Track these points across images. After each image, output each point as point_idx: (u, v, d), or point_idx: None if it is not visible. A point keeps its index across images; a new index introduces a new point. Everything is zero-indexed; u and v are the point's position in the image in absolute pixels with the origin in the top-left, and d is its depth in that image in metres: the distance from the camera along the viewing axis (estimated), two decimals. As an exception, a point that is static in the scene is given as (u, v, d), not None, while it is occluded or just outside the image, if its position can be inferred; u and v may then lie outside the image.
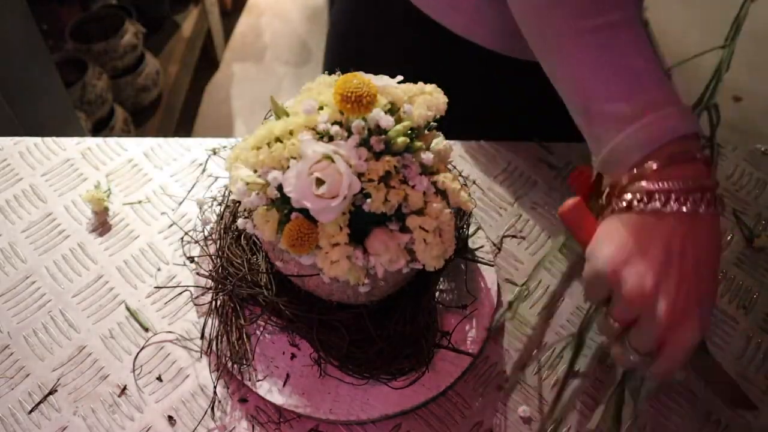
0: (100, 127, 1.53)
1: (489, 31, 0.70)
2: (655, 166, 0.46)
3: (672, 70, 0.71)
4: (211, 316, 0.59)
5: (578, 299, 0.63)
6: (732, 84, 2.03)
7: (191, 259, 0.63)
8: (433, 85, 0.53)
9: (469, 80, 0.74)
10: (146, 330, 0.59)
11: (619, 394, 0.56)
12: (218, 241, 0.61)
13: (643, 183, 0.46)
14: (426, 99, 0.51)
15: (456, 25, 0.71)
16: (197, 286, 0.61)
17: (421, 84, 0.53)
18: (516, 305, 0.61)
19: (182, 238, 0.65)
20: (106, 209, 0.67)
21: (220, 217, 0.63)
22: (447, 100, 0.52)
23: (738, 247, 0.68)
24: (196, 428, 0.54)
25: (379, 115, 0.48)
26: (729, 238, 0.69)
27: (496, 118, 0.77)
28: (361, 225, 0.49)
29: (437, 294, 0.61)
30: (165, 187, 0.69)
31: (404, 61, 0.74)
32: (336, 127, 0.48)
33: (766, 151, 0.76)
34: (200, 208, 0.66)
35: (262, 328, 0.58)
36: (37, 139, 0.72)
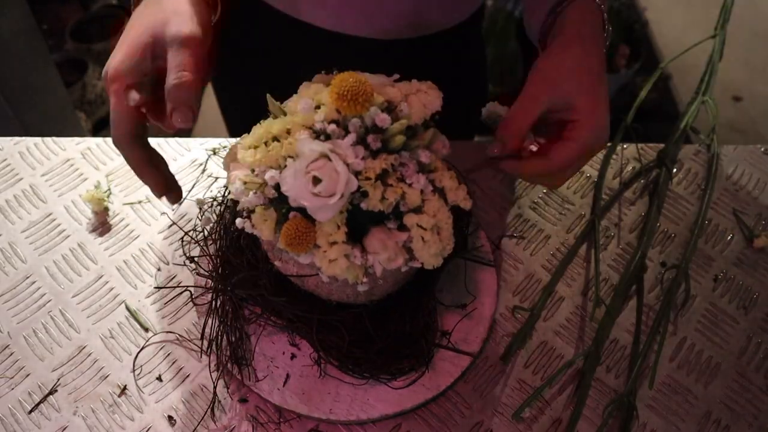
0: (100, 127, 1.54)
1: (354, 16, 0.68)
2: None
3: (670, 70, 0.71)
4: (211, 316, 0.59)
5: (578, 300, 0.63)
6: (732, 84, 2.03)
7: (191, 259, 0.63)
8: (429, 83, 0.53)
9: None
10: (146, 330, 0.59)
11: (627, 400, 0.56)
12: (218, 241, 0.61)
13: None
14: (422, 97, 0.51)
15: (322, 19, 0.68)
16: (197, 286, 0.61)
17: (415, 82, 0.53)
18: (527, 333, 0.61)
19: (182, 238, 0.65)
20: (106, 209, 0.67)
21: (220, 217, 0.63)
22: (442, 95, 0.52)
23: (738, 247, 0.68)
24: (196, 428, 0.54)
25: (375, 113, 0.48)
26: (729, 238, 0.69)
27: None
28: (359, 223, 0.49)
29: (437, 293, 0.61)
30: (165, 187, 0.69)
31: (274, 66, 0.73)
32: (333, 126, 0.48)
33: (766, 151, 0.76)
34: (200, 208, 0.66)
35: (262, 328, 0.58)
36: (37, 139, 0.72)
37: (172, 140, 0.72)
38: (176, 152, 0.72)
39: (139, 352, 0.58)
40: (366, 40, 0.70)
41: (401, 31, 0.70)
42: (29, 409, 0.55)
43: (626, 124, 0.74)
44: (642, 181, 0.72)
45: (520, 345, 0.60)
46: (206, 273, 0.61)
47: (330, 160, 0.46)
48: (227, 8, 0.60)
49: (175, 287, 0.62)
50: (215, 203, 0.66)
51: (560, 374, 0.58)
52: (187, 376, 0.57)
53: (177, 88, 0.47)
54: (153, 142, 0.72)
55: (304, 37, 0.71)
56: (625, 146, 0.74)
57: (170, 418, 0.55)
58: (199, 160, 0.71)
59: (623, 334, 0.61)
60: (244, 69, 0.80)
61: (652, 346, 0.60)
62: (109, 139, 0.72)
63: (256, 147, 0.50)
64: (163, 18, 0.50)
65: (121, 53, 0.50)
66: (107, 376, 0.57)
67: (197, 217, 0.66)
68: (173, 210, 0.67)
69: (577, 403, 0.56)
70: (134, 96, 0.49)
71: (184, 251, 0.64)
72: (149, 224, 0.66)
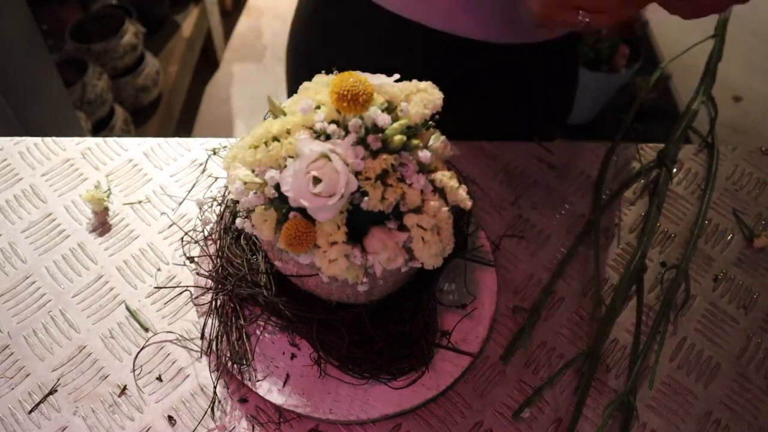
0: (100, 127, 1.54)
1: (472, 19, 0.69)
2: None
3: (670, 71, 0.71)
4: (211, 316, 0.59)
5: (578, 300, 0.63)
6: (732, 84, 2.03)
7: (191, 259, 0.63)
8: (429, 83, 0.53)
9: (444, 71, 0.73)
10: (146, 330, 0.59)
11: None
12: (218, 241, 0.61)
13: None
14: (422, 97, 0.51)
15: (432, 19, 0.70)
16: (197, 286, 0.61)
17: (415, 81, 0.53)
18: (528, 333, 0.60)
19: (182, 238, 0.65)
20: (106, 209, 0.67)
21: (220, 217, 0.63)
22: (443, 96, 0.52)
23: (738, 247, 0.68)
24: (196, 428, 0.54)
25: (376, 113, 0.48)
26: (729, 238, 0.69)
27: (477, 109, 0.77)
28: (359, 224, 0.49)
29: (437, 293, 0.61)
30: (165, 187, 0.69)
31: (368, 53, 0.74)
32: (333, 126, 0.48)
33: (766, 151, 0.76)
34: (200, 208, 0.66)
35: (262, 328, 0.58)
36: (37, 139, 0.72)
37: (172, 140, 0.72)
38: (176, 152, 0.72)
39: (139, 352, 0.58)
40: (467, 41, 0.71)
41: (497, 33, 0.71)
42: (29, 409, 0.55)
43: (626, 124, 0.74)
44: (642, 181, 0.72)
45: (521, 345, 0.60)
46: (206, 273, 0.61)
47: (330, 160, 0.46)
48: None
49: (175, 287, 0.62)
50: (215, 203, 0.66)
51: (560, 374, 0.58)
52: (187, 376, 0.57)
53: None
54: (153, 141, 0.72)
55: (403, 36, 0.71)
56: (625, 146, 0.74)
57: (170, 418, 0.55)
58: (199, 160, 0.71)
59: (623, 334, 0.61)
60: (334, 56, 0.81)
61: (652, 346, 0.60)
62: (109, 139, 0.72)
63: (256, 147, 0.50)
64: None
65: None
66: (107, 376, 0.57)
67: (197, 217, 0.66)
68: (173, 210, 0.67)
69: (578, 403, 0.56)
70: None
71: (184, 251, 0.64)
72: (149, 224, 0.66)
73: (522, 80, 0.65)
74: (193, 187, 0.69)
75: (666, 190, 0.71)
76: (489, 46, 0.71)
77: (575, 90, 0.88)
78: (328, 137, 0.48)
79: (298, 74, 0.87)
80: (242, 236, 0.61)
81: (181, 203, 0.68)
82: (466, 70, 0.73)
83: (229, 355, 0.56)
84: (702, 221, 0.68)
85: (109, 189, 0.68)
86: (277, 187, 0.48)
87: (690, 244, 0.66)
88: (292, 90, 0.91)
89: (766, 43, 2.09)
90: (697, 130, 0.75)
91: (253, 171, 0.50)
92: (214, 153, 0.72)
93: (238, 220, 0.52)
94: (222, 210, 0.63)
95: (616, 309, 0.62)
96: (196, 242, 0.64)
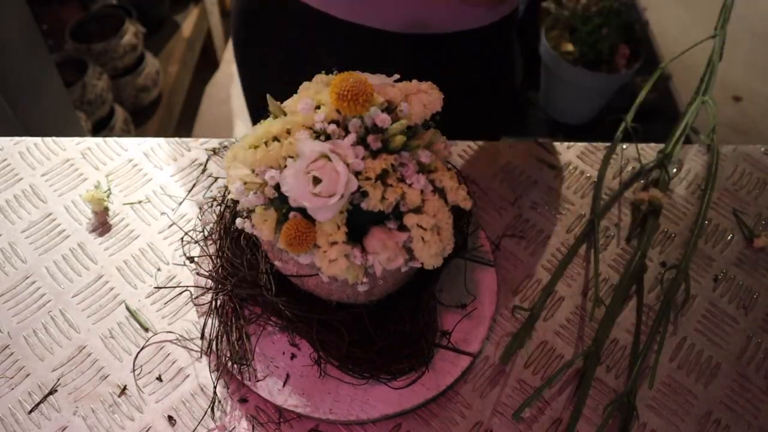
0: (100, 127, 1.53)
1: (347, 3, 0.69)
2: None
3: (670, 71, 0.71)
4: (211, 316, 0.59)
5: (578, 299, 0.63)
6: (732, 84, 2.03)
7: (191, 259, 0.63)
8: (429, 83, 0.53)
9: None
10: (146, 330, 0.59)
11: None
12: (218, 241, 0.61)
13: None
14: (422, 97, 0.51)
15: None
16: (197, 286, 0.61)
17: (416, 82, 0.53)
18: (525, 333, 0.60)
19: (182, 238, 0.65)
20: (106, 209, 0.67)
21: (220, 217, 0.63)
22: (443, 96, 0.52)
23: (738, 247, 0.68)
24: (196, 428, 0.54)
25: (376, 113, 0.48)
26: (729, 238, 0.69)
27: None
28: (359, 224, 0.49)
29: (437, 293, 0.61)
30: (165, 187, 0.69)
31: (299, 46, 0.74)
32: (333, 126, 0.48)
33: (766, 151, 0.76)
34: (200, 209, 0.66)
35: (262, 328, 0.58)
36: (37, 139, 0.72)
37: (172, 140, 0.72)
38: (176, 152, 0.72)
39: (139, 352, 0.58)
40: (380, 32, 0.70)
41: (413, 26, 0.70)
42: (29, 409, 0.55)
43: (627, 124, 0.74)
44: (642, 181, 0.72)
45: (521, 345, 0.60)
46: (206, 273, 0.61)
47: (330, 160, 0.46)
48: None
49: (175, 287, 0.62)
50: (215, 203, 0.66)
51: (560, 374, 0.58)
52: (187, 376, 0.57)
53: None
54: (153, 141, 0.72)
55: (321, 28, 0.72)
56: (625, 146, 0.74)
57: (170, 418, 0.55)
58: (199, 160, 0.71)
59: (623, 334, 0.61)
60: (267, 51, 0.81)
61: (652, 346, 0.60)
62: (109, 139, 0.72)
63: (256, 147, 0.50)
64: None
65: None
66: (107, 376, 0.57)
67: (197, 217, 0.66)
68: (173, 210, 0.67)
69: (577, 403, 0.56)
70: None
71: (184, 251, 0.64)
72: (149, 224, 0.66)
73: (452, 72, 0.65)
74: (193, 187, 0.69)
75: (666, 190, 0.71)
76: (401, 37, 0.71)
77: (514, 76, 0.87)
78: (328, 137, 0.48)
79: (242, 63, 0.88)
80: (242, 236, 0.61)
81: (181, 203, 0.68)
82: (384, 63, 0.73)
83: (229, 355, 0.56)
84: (702, 221, 0.68)
85: (109, 189, 0.68)
86: (277, 187, 0.48)
87: (690, 244, 0.66)
88: (244, 80, 0.92)
89: (766, 43, 2.09)
90: (697, 130, 0.75)
91: (253, 171, 0.50)
92: (214, 153, 0.72)
93: (238, 220, 0.52)
94: (222, 210, 0.63)
95: (616, 309, 0.62)
96: (196, 242, 0.64)
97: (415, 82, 0.53)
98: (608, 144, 0.74)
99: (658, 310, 0.62)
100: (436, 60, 0.72)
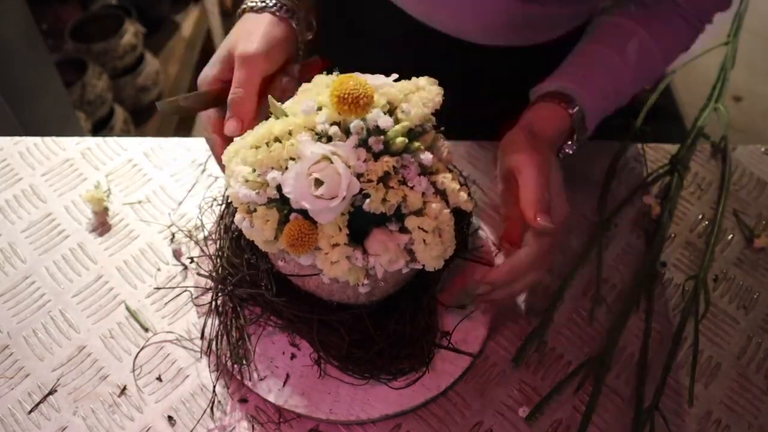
0: (100, 127, 1.53)
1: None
2: None
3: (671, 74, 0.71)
4: (211, 316, 0.59)
5: (579, 299, 0.63)
6: (732, 84, 2.02)
7: (191, 259, 0.63)
8: (426, 78, 0.53)
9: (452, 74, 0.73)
10: (146, 330, 0.59)
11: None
12: (218, 241, 0.61)
13: None
14: (421, 96, 0.51)
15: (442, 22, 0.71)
16: (197, 286, 0.61)
17: (414, 79, 0.52)
18: (540, 335, 0.60)
19: (173, 237, 0.65)
20: (106, 209, 0.67)
21: (220, 217, 0.63)
22: (442, 91, 0.52)
23: (738, 247, 0.68)
24: (196, 428, 0.54)
25: (378, 115, 0.48)
26: (729, 238, 0.69)
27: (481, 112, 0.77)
28: (360, 225, 0.49)
29: (437, 294, 0.61)
30: (165, 187, 0.69)
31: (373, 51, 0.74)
32: (335, 128, 0.48)
33: (766, 151, 0.76)
34: (200, 209, 0.66)
35: (262, 328, 0.58)
36: (37, 139, 0.72)
37: (172, 140, 0.72)
38: (176, 152, 0.72)
39: (139, 352, 0.58)
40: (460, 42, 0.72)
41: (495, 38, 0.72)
42: (29, 409, 0.55)
43: (635, 127, 0.74)
44: (649, 184, 0.71)
45: (537, 348, 0.60)
46: (206, 273, 0.61)
47: (332, 162, 0.46)
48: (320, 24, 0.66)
49: (175, 287, 0.62)
50: (215, 203, 0.66)
51: (569, 381, 0.58)
52: (187, 376, 0.57)
53: (232, 102, 0.55)
54: (153, 141, 0.72)
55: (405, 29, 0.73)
56: (626, 147, 0.74)
57: (170, 418, 0.55)
58: (199, 160, 0.71)
59: (631, 338, 0.61)
60: (352, 50, 0.81)
61: (675, 357, 0.60)
62: (109, 139, 0.72)
63: (257, 147, 0.50)
64: (236, 38, 0.58)
65: (210, 62, 0.61)
66: (107, 376, 0.57)
67: (197, 217, 0.66)
68: (173, 210, 0.67)
69: (586, 411, 0.56)
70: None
71: (182, 251, 0.64)
72: (149, 224, 0.66)
73: (519, 81, 0.65)
74: (193, 187, 0.69)
75: (678, 195, 0.70)
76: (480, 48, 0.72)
77: None
78: (329, 139, 0.48)
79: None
80: (242, 236, 0.61)
81: (181, 203, 0.68)
82: (461, 70, 0.74)
83: (229, 355, 0.56)
84: (717, 231, 0.67)
85: (109, 189, 0.68)
86: (279, 188, 0.48)
87: (707, 254, 0.65)
88: None
89: (766, 43, 2.09)
90: (706, 134, 0.75)
91: (254, 171, 0.50)
92: (215, 153, 0.72)
93: (236, 218, 0.52)
94: (222, 210, 0.63)
95: (624, 314, 0.61)
96: (196, 242, 0.64)
97: (414, 78, 0.53)
98: (608, 143, 0.74)
99: (679, 321, 0.61)
100: (509, 72, 0.73)
